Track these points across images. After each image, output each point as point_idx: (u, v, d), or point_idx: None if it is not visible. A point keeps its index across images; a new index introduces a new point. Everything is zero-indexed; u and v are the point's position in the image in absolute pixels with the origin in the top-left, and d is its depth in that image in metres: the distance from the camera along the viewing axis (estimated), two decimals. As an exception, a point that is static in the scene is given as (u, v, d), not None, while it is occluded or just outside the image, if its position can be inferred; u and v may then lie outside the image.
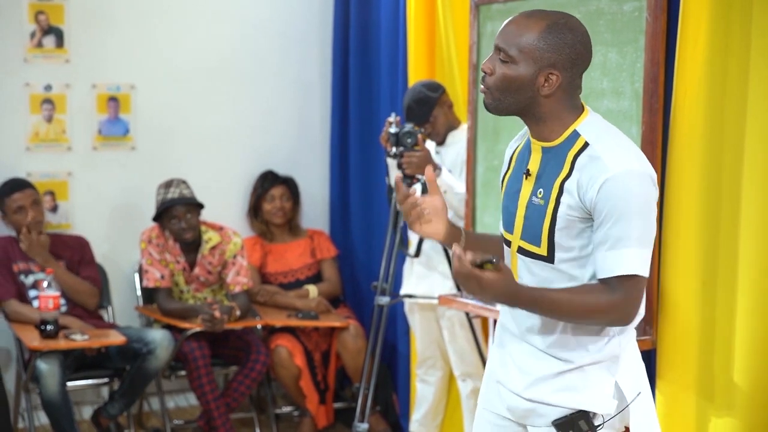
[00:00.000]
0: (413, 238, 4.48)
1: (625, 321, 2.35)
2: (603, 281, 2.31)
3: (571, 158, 2.33)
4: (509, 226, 2.47)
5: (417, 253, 4.30)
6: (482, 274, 2.23)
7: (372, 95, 5.36)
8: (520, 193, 2.44)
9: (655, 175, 2.32)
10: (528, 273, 2.43)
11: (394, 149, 4.17)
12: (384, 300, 4.26)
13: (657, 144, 3.28)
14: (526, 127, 2.47)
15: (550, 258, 2.37)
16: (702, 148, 3.09)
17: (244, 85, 5.58)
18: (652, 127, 3.29)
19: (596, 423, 2.38)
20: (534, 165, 2.41)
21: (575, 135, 2.35)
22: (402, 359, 5.05)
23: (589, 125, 2.37)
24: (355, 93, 5.49)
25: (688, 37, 3.08)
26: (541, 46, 2.30)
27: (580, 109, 2.39)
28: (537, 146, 2.41)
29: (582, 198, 2.29)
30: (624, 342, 2.43)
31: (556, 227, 2.34)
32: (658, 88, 3.26)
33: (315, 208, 5.77)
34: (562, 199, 2.32)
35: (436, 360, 4.61)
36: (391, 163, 4.36)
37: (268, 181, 5.46)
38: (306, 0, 5.68)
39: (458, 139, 4.37)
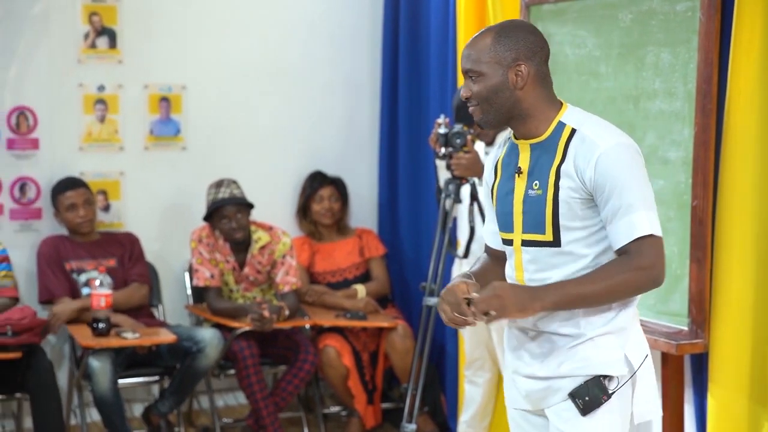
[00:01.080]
0: (462, 238, 4.47)
1: (656, 281, 2.43)
2: (621, 252, 2.41)
3: (563, 146, 2.46)
4: (508, 227, 2.57)
5: (466, 254, 4.29)
6: (494, 286, 2.41)
7: (421, 96, 5.35)
8: (514, 192, 2.54)
9: (638, 148, 2.47)
10: (534, 263, 2.52)
11: (443, 150, 4.17)
12: (432, 301, 4.25)
13: (710, 146, 3.25)
14: (504, 136, 2.64)
15: (556, 242, 2.47)
16: (756, 150, 3.05)
17: (294, 85, 5.60)
18: (705, 129, 3.26)
19: (610, 388, 2.45)
20: (524, 162, 2.53)
21: (561, 125, 2.49)
22: (450, 360, 5.04)
23: (572, 115, 2.51)
24: (405, 93, 5.49)
25: (743, 37, 3.05)
26: (499, 50, 2.49)
27: (559, 104, 2.54)
28: (525, 145, 2.54)
29: (581, 178, 2.42)
30: (630, 315, 2.51)
31: (559, 211, 2.45)
32: (712, 89, 3.23)
33: (363, 209, 5.78)
34: (561, 183, 2.45)
35: (485, 361, 4.60)
36: (440, 164, 4.35)
37: (317, 181, 5.47)
38: (356, 0, 5.69)
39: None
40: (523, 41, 2.49)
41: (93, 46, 5.17)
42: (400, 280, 5.60)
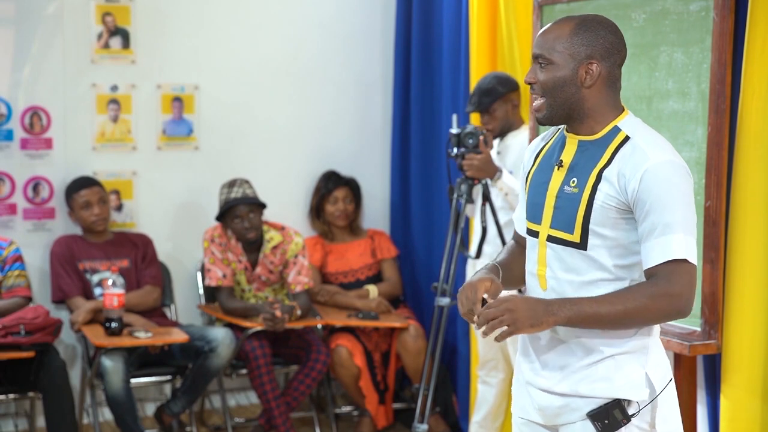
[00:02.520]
0: (474, 239, 4.47)
1: (681, 312, 2.34)
2: (653, 273, 2.33)
3: (612, 149, 2.39)
4: (536, 217, 2.51)
5: (478, 255, 4.29)
6: (507, 299, 2.35)
7: (434, 96, 5.35)
8: (549, 183, 2.48)
9: (689, 170, 2.38)
10: (557, 260, 2.46)
11: (455, 150, 4.17)
12: (444, 301, 4.25)
13: (723, 146, 3.24)
14: (554, 127, 2.55)
15: (582, 244, 2.41)
16: (770, 150, 3.04)
17: (307, 85, 5.61)
18: (718, 129, 3.25)
19: (630, 412, 2.39)
20: (567, 156, 2.47)
21: (616, 130, 2.42)
22: (462, 360, 5.03)
23: (630, 122, 2.44)
24: (417, 94, 5.49)
25: (757, 37, 3.04)
26: (575, 42, 2.40)
27: (620, 109, 2.47)
28: (574, 139, 2.47)
29: (624, 187, 2.34)
30: (653, 333, 2.45)
31: (591, 214, 2.38)
32: (725, 89, 3.22)
33: (375, 209, 5.78)
34: (600, 186, 2.38)
35: (498, 362, 4.59)
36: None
37: (331, 182, 5.47)
38: (369, 1, 5.69)
39: (519, 140, 4.35)
40: (602, 39, 2.40)
41: (106, 46, 5.18)
42: (411, 280, 5.60)
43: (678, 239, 2.30)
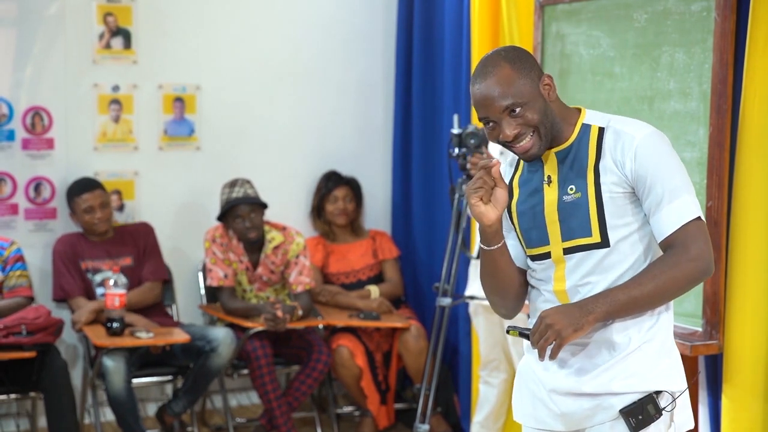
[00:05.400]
0: (476, 239, 4.47)
1: (706, 271, 2.36)
2: (667, 242, 2.35)
3: (595, 144, 2.42)
4: (540, 240, 2.48)
5: (479, 255, 4.28)
6: (541, 317, 2.35)
7: (435, 96, 5.35)
8: (544, 203, 2.46)
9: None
10: (582, 268, 2.43)
11: (456, 150, 4.16)
12: (446, 301, 4.25)
13: (725, 146, 3.24)
14: (510, 156, 2.57)
15: (605, 242, 2.40)
16: (771, 150, 3.04)
17: (308, 85, 5.61)
18: (720, 129, 3.25)
19: (662, 405, 2.39)
20: (551, 170, 2.46)
21: (586, 127, 2.45)
22: (463, 360, 5.03)
23: (594, 116, 2.47)
24: (418, 94, 5.49)
25: (758, 37, 3.04)
26: (524, 72, 2.40)
27: (576, 108, 2.50)
28: (548, 154, 2.46)
29: (623, 171, 2.37)
30: (670, 318, 2.46)
31: (605, 209, 2.39)
32: (727, 89, 3.22)
33: (377, 209, 5.78)
34: (602, 179, 2.39)
35: (500, 362, 4.59)
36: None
37: (331, 181, 5.47)
38: (370, 1, 5.69)
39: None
40: (530, 59, 2.43)
41: (108, 46, 5.18)
42: (413, 280, 5.60)
43: (686, 201, 2.34)
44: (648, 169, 2.34)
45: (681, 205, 2.33)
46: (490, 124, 2.42)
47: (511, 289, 2.55)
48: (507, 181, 2.56)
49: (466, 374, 5.01)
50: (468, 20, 4.78)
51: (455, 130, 4.17)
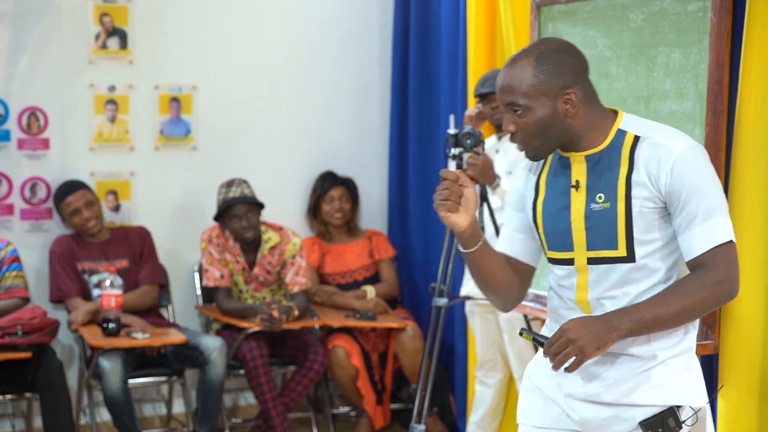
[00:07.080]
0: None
1: (731, 294, 2.33)
2: (695, 262, 2.29)
3: (628, 154, 2.33)
4: (564, 246, 2.41)
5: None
6: (563, 329, 2.27)
7: (431, 96, 5.35)
8: (571, 208, 2.39)
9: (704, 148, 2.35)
10: (605, 280, 2.38)
11: (452, 150, 4.16)
12: (442, 301, 4.25)
13: (721, 147, 3.24)
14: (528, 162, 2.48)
15: (630, 257, 2.34)
16: (767, 151, 3.04)
17: (305, 86, 5.60)
18: (716, 130, 3.25)
19: (682, 419, 2.35)
20: (580, 175, 2.39)
21: (621, 133, 2.36)
22: (459, 361, 5.03)
23: (630, 122, 2.38)
24: (415, 94, 5.49)
25: (754, 37, 3.04)
26: (542, 79, 2.31)
27: (612, 112, 2.41)
28: (578, 157, 2.39)
29: (657, 187, 2.29)
30: (695, 334, 2.42)
31: (633, 224, 2.32)
32: (723, 90, 3.22)
33: (373, 209, 5.78)
34: (634, 193, 2.31)
35: (496, 362, 4.59)
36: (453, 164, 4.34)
37: (327, 181, 5.47)
38: (366, 1, 5.69)
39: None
40: (567, 65, 2.32)
41: (104, 46, 5.18)
42: (409, 280, 5.61)
43: (720, 223, 2.28)
44: (684, 185, 2.27)
45: (715, 226, 2.27)
46: (500, 107, 2.38)
47: (498, 288, 2.49)
48: (531, 180, 2.49)
49: (462, 374, 5.01)
50: (464, 21, 4.78)
51: (451, 131, 4.16)
